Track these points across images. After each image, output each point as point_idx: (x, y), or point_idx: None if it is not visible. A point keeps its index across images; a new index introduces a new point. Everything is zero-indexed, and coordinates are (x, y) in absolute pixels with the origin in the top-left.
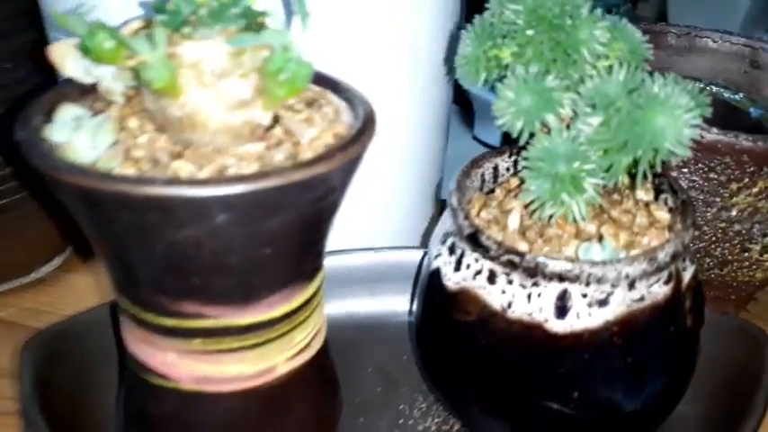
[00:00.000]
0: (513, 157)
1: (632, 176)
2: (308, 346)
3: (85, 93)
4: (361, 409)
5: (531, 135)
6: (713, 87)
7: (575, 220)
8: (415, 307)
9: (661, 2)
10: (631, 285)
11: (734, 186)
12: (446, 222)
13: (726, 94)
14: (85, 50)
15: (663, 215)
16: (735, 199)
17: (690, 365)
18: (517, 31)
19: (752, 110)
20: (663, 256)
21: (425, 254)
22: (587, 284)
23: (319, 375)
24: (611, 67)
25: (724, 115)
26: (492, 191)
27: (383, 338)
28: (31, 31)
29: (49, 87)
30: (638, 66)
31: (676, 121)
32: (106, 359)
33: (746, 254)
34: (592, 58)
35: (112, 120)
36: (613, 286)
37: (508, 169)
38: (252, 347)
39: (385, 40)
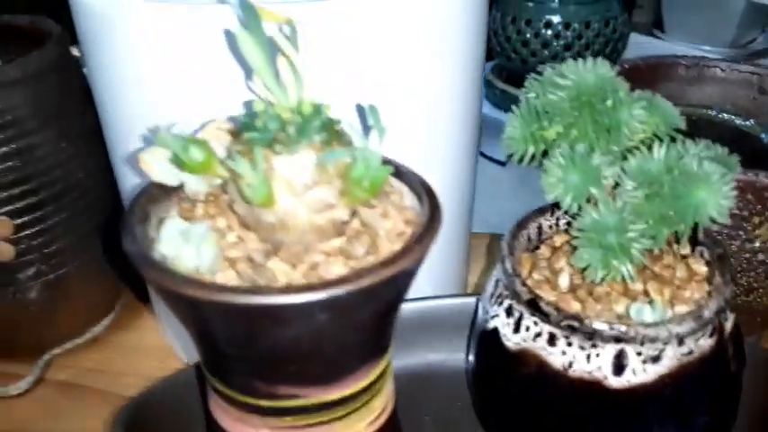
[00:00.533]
0: (555, 215)
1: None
2: (384, 410)
3: (170, 193)
4: None
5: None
6: (724, 114)
7: (623, 278)
8: (471, 359)
9: (656, 7)
10: (680, 342)
11: (756, 220)
12: (499, 282)
13: (737, 121)
14: (179, 163)
15: (701, 268)
16: (757, 231)
17: (734, 405)
18: (562, 114)
19: (763, 135)
20: (708, 314)
21: (477, 301)
22: (641, 344)
23: None
24: (652, 142)
25: (737, 141)
26: (537, 247)
27: (434, 387)
28: (80, 109)
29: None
30: (674, 137)
31: (716, 194)
32: (191, 423)
33: None
34: (631, 133)
35: (212, 228)
36: (665, 344)
37: (551, 227)
38: (339, 419)
39: (411, 75)
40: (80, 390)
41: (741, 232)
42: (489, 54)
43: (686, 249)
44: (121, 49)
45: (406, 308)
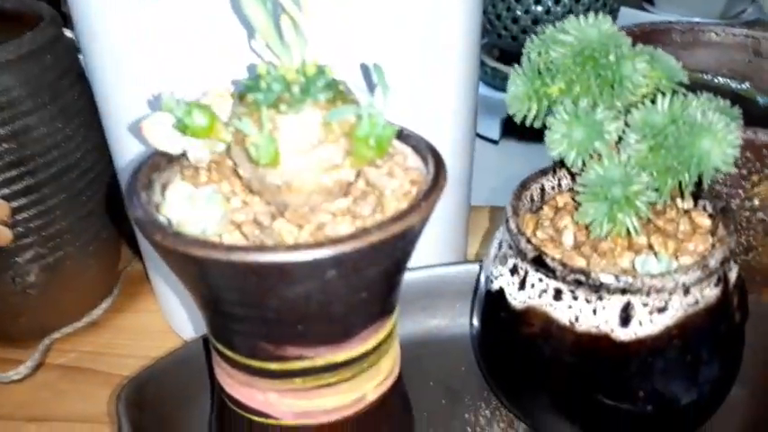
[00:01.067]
0: (557, 176)
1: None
2: (391, 371)
3: (172, 161)
4: (429, 424)
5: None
6: (720, 78)
7: (628, 232)
8: (476, 323)
9: None
10: (686, 291)
11: (755, 178)
12: (503, 243)
13: (733, 85)
14: (183, 128)
15: (704, 221)
16: (756, 189)
17: (738, 355)
18: (566, 70)
19: (759, 98)
20: (713, 263)
21: (481, 268)
22: (647, 295)
23: (399, 397)
24: (654, 96)
25: (733, 105)
26: (540, 208)
27: (439, 352)
28: (75, 89)
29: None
30: (676, 90)
31: (720, 143)
32: (194, 397)
33: None
34: (634, 88)
35: (219, 192)
36: (671, 294)
37: (553, 188)
38: (346, 380)
39: (410, 49)
40: (81, 373)
41: (740, 191)
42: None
43: (689, 204)
44: (114, 25)
45: (409, 276)
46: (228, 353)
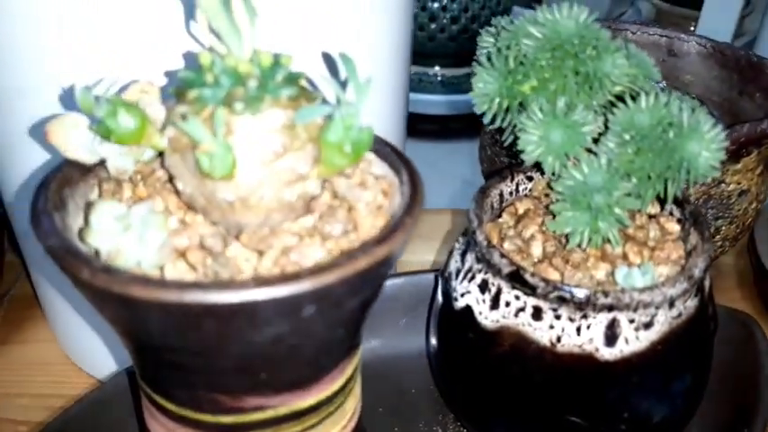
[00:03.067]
0: (515, 181)
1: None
2: (355, 411)
3: (87, 173)
4: None
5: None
6: None
7: (606, 241)
8: (435, 342)
9: None
10: (671, 305)
11: None
12: (467, 256)
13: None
14: (106, 133)
15: (673, 227)
16: (690, 189)
17: (709, 366)
18: (543, 65)
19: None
20: (698, 272)
21: (436, 279)
22: (635, 310)
23: None
24: (630, 95)
25: None
26: (498, 216)
27: (386, 375)
28: None
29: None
30: (653, 89)
31: (709, 146)
32: None
33: None
34: (612, 86)
35: (158, 211)
36: (657, 308)
37: (511, 193)
38: (312, 427)
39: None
40: None
41: None
42: None
43: (655, 208)
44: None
45: None
46: (169, 405)
